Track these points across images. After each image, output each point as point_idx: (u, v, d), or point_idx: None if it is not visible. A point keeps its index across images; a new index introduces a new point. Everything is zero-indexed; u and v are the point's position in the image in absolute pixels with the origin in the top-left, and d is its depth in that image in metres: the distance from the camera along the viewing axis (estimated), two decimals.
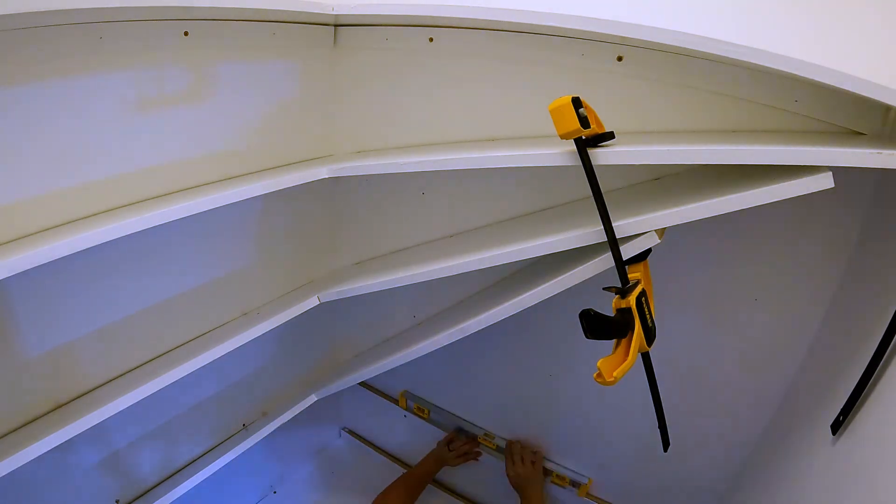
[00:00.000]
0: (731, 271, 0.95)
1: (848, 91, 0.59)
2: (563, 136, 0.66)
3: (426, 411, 1.48)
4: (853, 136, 0.71)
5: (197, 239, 0.96)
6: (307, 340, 1.37)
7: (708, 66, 0.75)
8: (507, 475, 1.31)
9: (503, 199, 1.02)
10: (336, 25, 1.01)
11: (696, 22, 0.69)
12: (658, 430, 0.82)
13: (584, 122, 0.64)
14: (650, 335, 0.71)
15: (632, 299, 0.67)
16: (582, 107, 0.64)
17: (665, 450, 0.82)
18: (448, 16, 0.87)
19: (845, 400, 0.67)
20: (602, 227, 0.69)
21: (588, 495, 1.28)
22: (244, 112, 0.94)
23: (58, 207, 0.74)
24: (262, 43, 0.91)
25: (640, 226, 0.70)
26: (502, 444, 1.37)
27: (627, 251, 0.71)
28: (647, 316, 0.70)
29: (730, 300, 0.97)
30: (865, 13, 0.73)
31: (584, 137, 0.66)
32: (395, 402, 1.53)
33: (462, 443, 1.43)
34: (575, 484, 1.28)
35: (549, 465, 1.31)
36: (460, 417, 1.44)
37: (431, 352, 1.03)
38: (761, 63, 0.63)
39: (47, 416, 0.82)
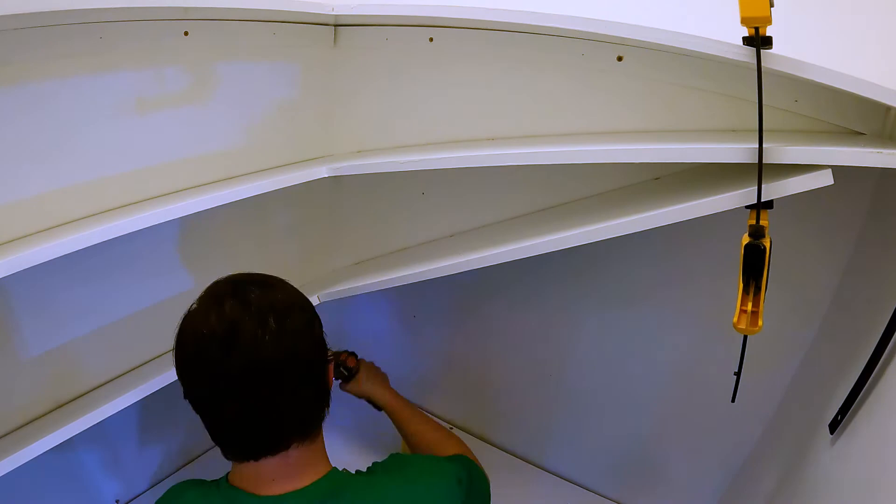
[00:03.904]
0: (730, 270, 0.94)
1: (848, 91, 0.59)
2: (745, 21, 0.57)
3: None
4: (853, 135, 0.71)
5: (197, 238, 0.96)
6: None
7: (708, 66, 0.75)
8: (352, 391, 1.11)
9: (503, 198, 1.02)
10: (336, 25, 1.01)
11: (696, 22, 0.69)
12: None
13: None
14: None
15: (766, 241, 0.60)
16: None
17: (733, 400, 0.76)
18: (448, 16, 0.87)
19: (843, 399, 0.67)
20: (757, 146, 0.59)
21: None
22: (244, 112, 0.94)
23: (58, 207, 0.74)
24: (262, 43, 0.91)
25: (637, 225, 0.69)
26: None
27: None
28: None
29: (729, 299, 0.96)
30: (865, 13, 0.73)
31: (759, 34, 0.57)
32: None
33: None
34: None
35: (545, 464, 1.31)
36: (455, 421, 1.44)
37: (430, 352, 1.02)
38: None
39: (47, 415, 0.82)
